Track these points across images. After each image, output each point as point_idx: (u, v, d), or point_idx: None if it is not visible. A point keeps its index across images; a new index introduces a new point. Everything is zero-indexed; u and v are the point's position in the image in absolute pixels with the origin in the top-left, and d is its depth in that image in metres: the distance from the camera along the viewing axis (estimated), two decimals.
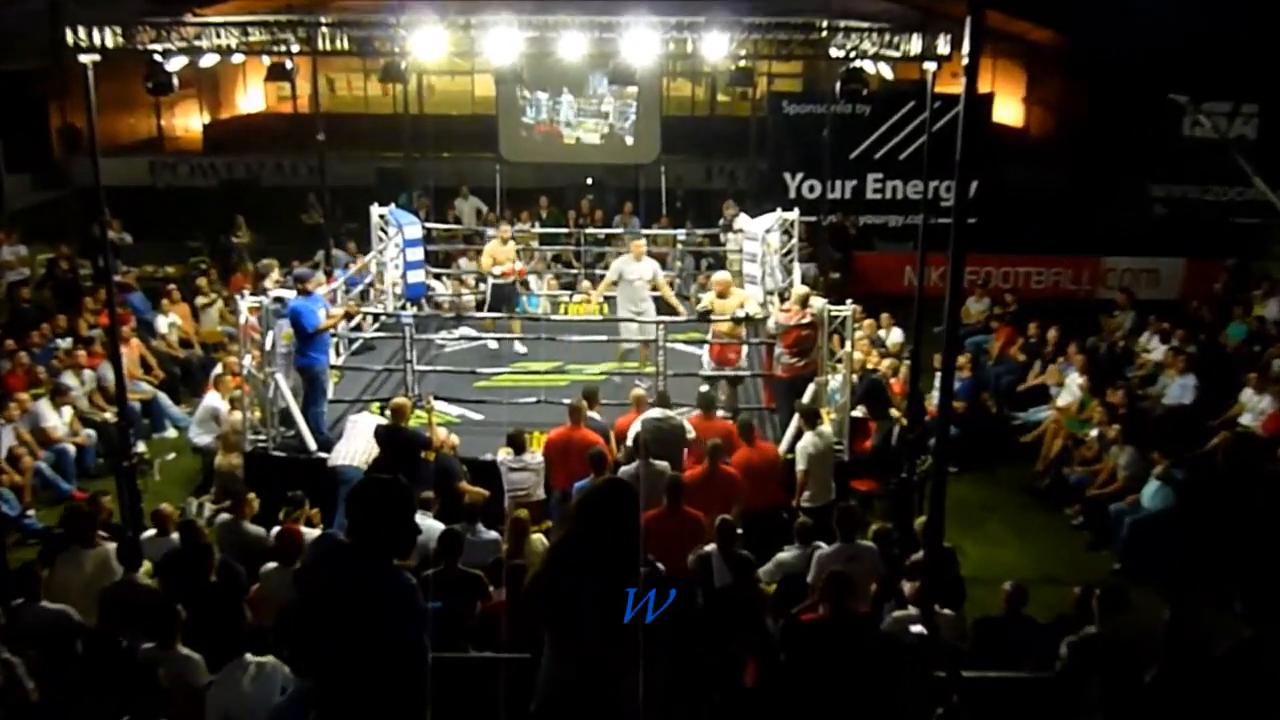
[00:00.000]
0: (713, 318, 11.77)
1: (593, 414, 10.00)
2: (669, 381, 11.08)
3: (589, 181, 21.54)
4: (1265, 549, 9.03)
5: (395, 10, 11.00)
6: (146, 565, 7.62)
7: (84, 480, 11.49)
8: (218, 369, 12.20)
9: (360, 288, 13.76)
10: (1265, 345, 13.77)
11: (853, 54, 10.15)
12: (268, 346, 10.70)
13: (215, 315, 15.37)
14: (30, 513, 10.68)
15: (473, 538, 7.97)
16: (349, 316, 12.29)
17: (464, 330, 14.17)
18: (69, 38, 9.33)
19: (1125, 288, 16.66)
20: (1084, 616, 6.52)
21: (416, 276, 14.71)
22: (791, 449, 9.96)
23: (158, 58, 9.85)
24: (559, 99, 20.55)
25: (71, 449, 11.60)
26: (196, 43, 10.34)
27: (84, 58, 9.30)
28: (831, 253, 17.87)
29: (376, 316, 13.53)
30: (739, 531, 7.75)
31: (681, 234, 17.36)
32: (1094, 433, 11.66)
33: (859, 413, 11.18)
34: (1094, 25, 19.83)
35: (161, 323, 14.65)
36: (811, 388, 10.64)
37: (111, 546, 7.68)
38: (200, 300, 15.35)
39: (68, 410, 11.94)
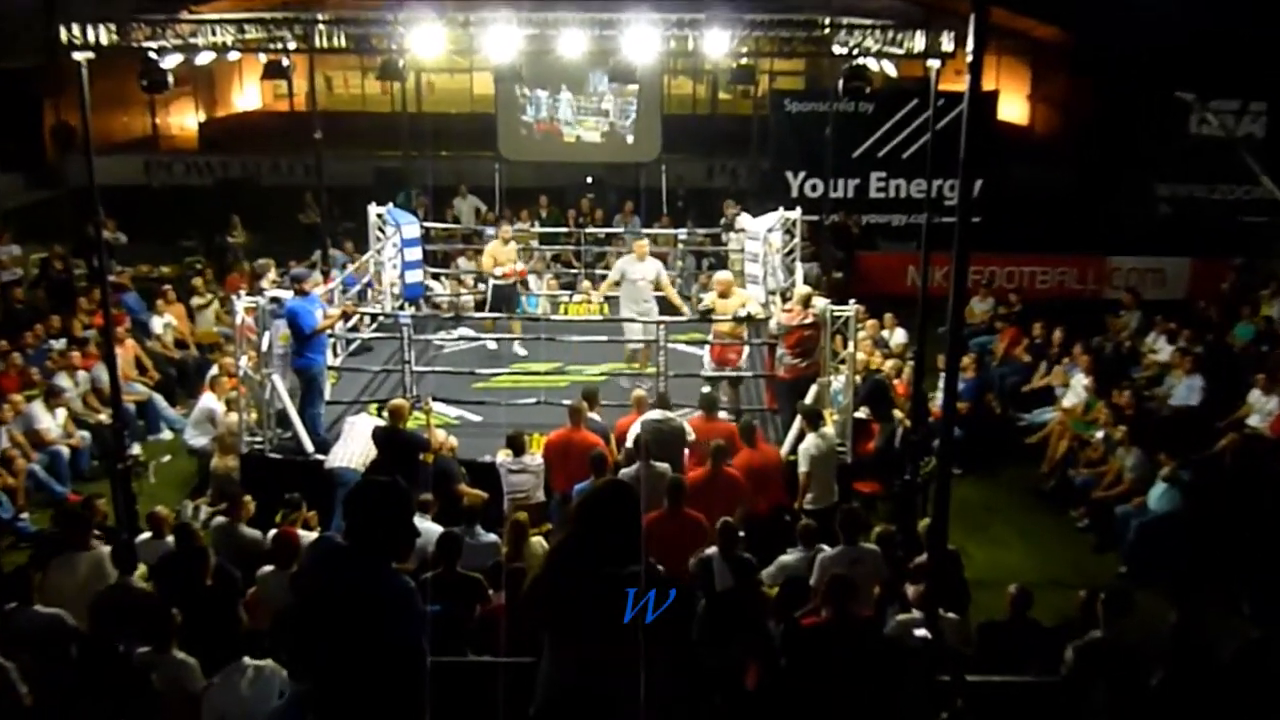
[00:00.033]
0: (714, 318, 11.76)
1: (593, 415, 10.00)
2: (670, 382, 11.07)
3: (589, 180, 21.56)
4: (1273, 551, 9.04)
5: (393, 7, 10.99)
6: (141, 569, 7.61)
7: (78, 483, 11.48)
8: (214, 370, 12.20)
9: (358, 288, 13.76)
10: (1273, 345, 13.78)
11: (856, 51, 10.15)
12: (264, 347, 10.70)
13: (211, 316, 15.37)
14: (24, 516, 10.68)
15: (472, 540, 7.97)
16: (346, 317, 12.29)
17: (463, 331, 14.17)
18: (63, 35, 9.32)
19: (1131, 287, 16.67)
20: (1089, 620, 6.52)
21: (415, 276, 14.73)
22: (794, 451, 9.95)
23: (153, 55, 9.85)
24: (558, 97, 20.57)
25: (65, 451, 11.58)
26: (192, 40, 10.34)
27: (78, 55, 9.29)
28: (834, 252, 17.87)
29: (374, 317, 13.53)
30: (741, 534, 7.75)
31: (683, 233, 17.37)
32: (1100, 434, 11.65)
33: (862, 414, 11.18)
34: (1099, 22, 19.82)
35: (157, 323, 14.65)
36: (814, 389, 10.64)
37: (106, 550, 7.68)
38: (196, 301, 15.35)
39: (62, 412, 11.94)
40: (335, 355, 12.52)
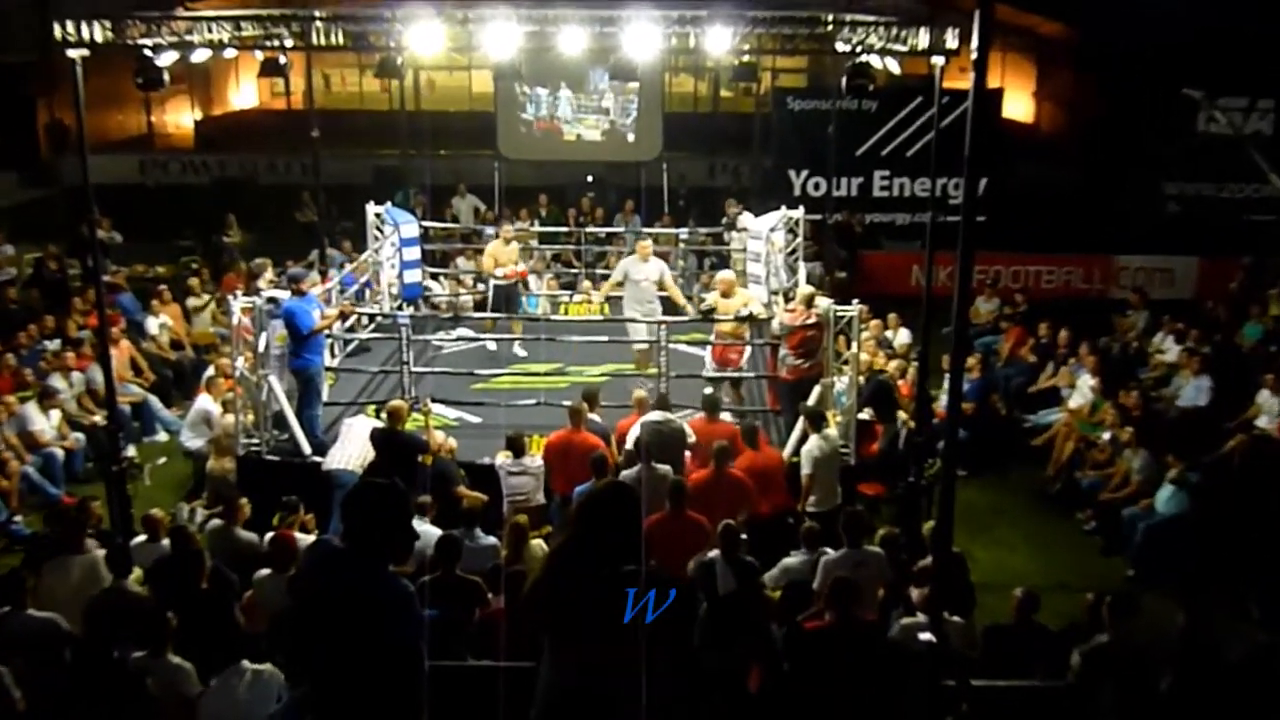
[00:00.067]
0: (715, 317, 11.76)
1: (593, 416, 10.00)
2: (671, 383, 11.06)
3: (589, 179, 21.56)
4: None
5: (391, 4, 10.99)
6: (136, 572, 7.60)
7: (72, 485, 11.48)
8: (210, 371, 12.20)
9: (356, 288, 13.75)
10: None
11: (859, 48, 10.16)
12: (261, 348, 10.70)
13: (207, 316, 15.37)
14: (17, 518, 10.68)
15: (471, 543, 7.97)
16: (344, 317, 12.28)
17: (462, 331, 14.17)
18: (57, 32, 9.34)
19: (1138, 287, 16.65)
20: (1096, 624, 6.52)
21: (413, 276, 14.73)
22: (796, 452, 9.95)
23: (148, 53, 9.86)
24: (558, 95, 20.59)
25: (60, 453, 11.58)
26: (188, 37, 10.34)
27: (72, 52, 9.30)
28: (837, 252, 17.87)
29: (372, 317, 13.52)
30: (743, 537, 7.74)
31: (684, 233, 17.37)
32: (1106, 435, 11.65)
33: (865, 415, 11.18)
34: (1105, 18, 19.83)
35: (152, 324, 14.64)
36: (817, 390, 10.63)
37: (100, 553, 7.68)
38: (193, 303, 15.34)
39: (56, 413, 11.93)
40: (333, 356, 12.52)
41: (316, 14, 10.70)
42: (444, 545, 7.26)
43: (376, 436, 9.66)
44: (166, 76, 10.05)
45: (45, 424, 11.70)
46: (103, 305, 10.28)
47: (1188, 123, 19.27)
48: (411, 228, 14.75)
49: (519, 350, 13.45)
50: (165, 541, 8.13)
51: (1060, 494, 11.84)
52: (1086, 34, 22.47)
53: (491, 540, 8.29)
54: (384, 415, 9.95)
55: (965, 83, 5.87)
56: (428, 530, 7.91)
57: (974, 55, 5.67)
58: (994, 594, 8.05)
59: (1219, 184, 19.74)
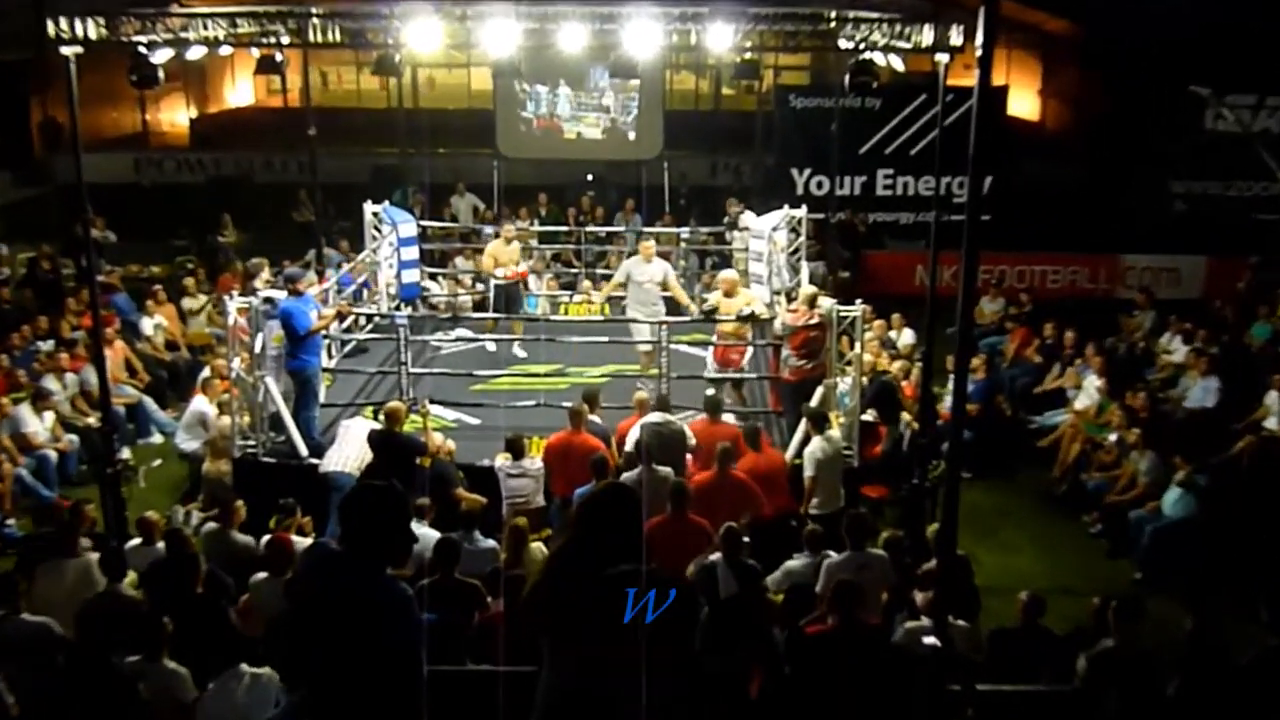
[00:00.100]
0: (717, 317, 11.76)
1: (594, 418, 10.00)
2: (672, 384, 11.06)
3: (590, 178, 21.57)
4: None
5: (389, 1, 11.00)
6: (131, 576, 7.61)
7: (66, 488, 11.47)
8: (205, 372, 12.20)
9: (353, 288, 13.77)
10: None
11: (862, 45, 10.16)
12: (257, 349, 10.70)
13: (203, 317, 15.37)
14: (10, 521, 10.68)
15: (470, 546, 7.97)
16: (341, 317, 12.29)
17: (460, 332, 14.17)
18: (51, 29, 9.35)
19: (1145, 287, 16.65)
20: (1102, 628, 6.51)
21: (411, 276, 14.74)
22: (799, 454, 9.95)
23: (143, 50, 9.87)
24: (557, 92, 20.60)
25: (53, 455, 11.58)
26: (183, 34, 10.35)
27: (66, 50, 9.31)
28: (840, 251, 17.89)
29: (370, 318, 13.53)
30: (745, 540, 7.74)
31: (685, 232, 17.38)
32: (1113, 437, 11.65)
33: (869, 416, 11.17)
34: (1111, 15, 19.83)
35: (147, 324, 14.65)
36: (820, 391, 10.63)
37: (94, 556, 7.68)
38: (188, 303, 15.34)
39: (49, 415, 11.93)
40: (330, 357, 12.53)
41: (313, 10, 10.72)
42: (443, 548, 7.26)
43: (374, 438, 9.67)
44: (161, 74, 10.07)
45: (39, 426, 11.70)
46: (97, 305, 10.29)
47: (1195, 120, 19.29)
48: (410, 227, 14.76)
49: (518, 351, 13.45)
50: (160, 545, 8.12)
51: (1066, 496, 11.85)
52: (1092, 31, 22.47)
53: (491, 543, 8.29)
54: (382, 417, 9.95)
55: (970, 80, 5.85)
56: (426, 533, 7.92)
57: (979, 52, 5.66)
58: (999, 597, 8.05)
59: (1227, 182, 19.73)
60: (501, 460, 9.73)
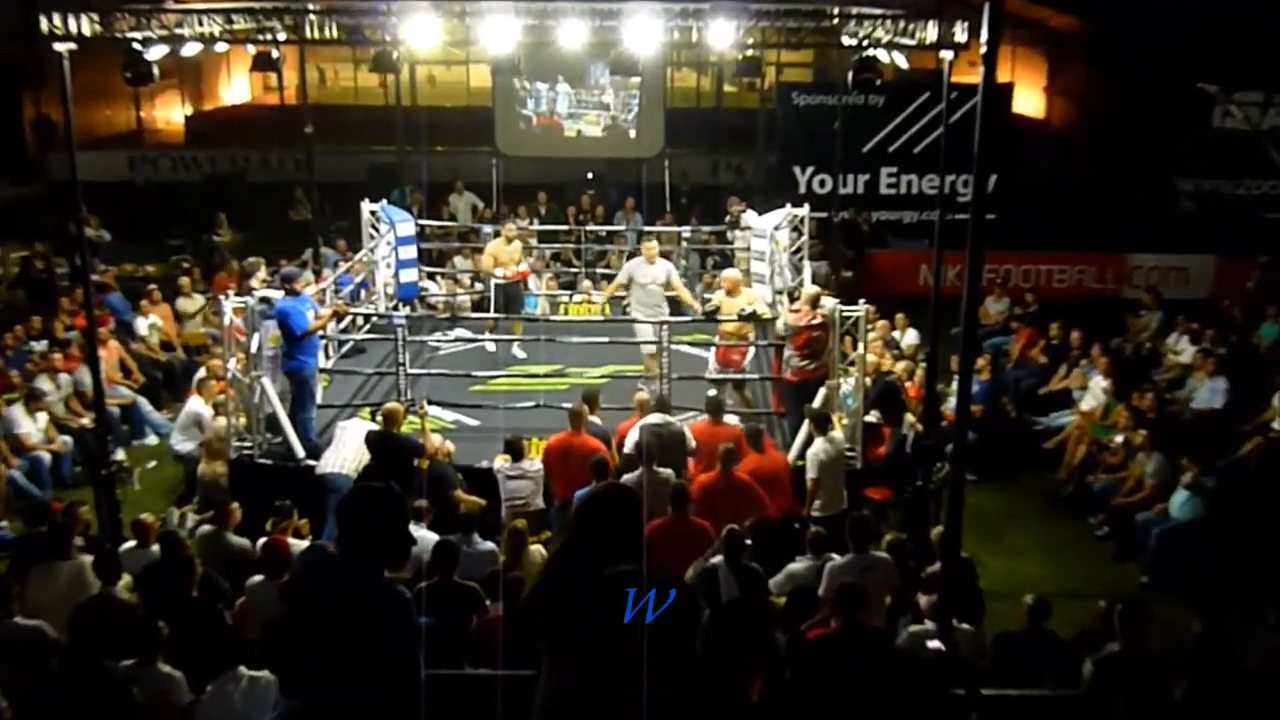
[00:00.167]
0: (719, 317, 11.76)
1: (594, 419, 10.00)
2: (674, 385, 11.06)
3: (590, 176, 21.57)
4: None
5: None
6: (126, 579, 7.62)
7: (60, 489, 11.47)
8: (201, 373, 12.20)
9: (350, 288, 13.77)
10: None
11: (866, 42, 10.16)
12: (253, 349, 10.70)
13: (198, 317, 15.37)
14: (3, 523, 10.67)
15: (469, 549, 7.97)
16: (338, 317, 12.29)
17: (459, 332, 14.18)
18: (44, 25, 9.33)
19: (1152, 286, 16.65)
20: (1108, 632, 6.52)
21: (409, 276, 14.75)
22: (801, 456, 9.95)
23: (137, 46, 9.86)
24: (556, 89, 20.61)
25: (47, 457, 11.60)
26: (178, 31, 10.35)
27: (59, 46, 9.30)
28: (843, 250, 17.89)
29: (368, 318, 13.54)
30: (747, 542, 7.75)
31: (686, 231, 17.38)
32: (1119, 438, 11.65)
33: (872, 418, 11.17)
34: (1117, 11, 19.83)
35: (141, 324, 14.65)
36: (822, 392, 10.64)
37: (88, 559, 7.68)
38: (184, 304, 15.34)
39: (43, 416, 11.94)
40: (327, 357, 12.53)
41: (310, 7, 10.70)
42: (441, 551, 7.27)
43: (372, 440, 9.67)
44: (156, 71, 10.06)
45: (32, 427, 11.71)
46: (91, 305, 10.29)
47: (1202, 117, 19.30)
48: (407, 226, 14.77)
49: (518, 351, 13.46)
50: (155, 547, 8.13)
51: (1072, 498, 11.84)
52: (1099, 27, 22.47)
53: (489, 545, 8.30)
54: (379, 418, 9.95)
55: (974, 77, 5.85)
56: (424, 535, 7.92)
57: (983, 49, 5.67)
58: (1004, 601, 8.05)
59: (1235, 180, 19.73)
60: (500, 462, 9.74)
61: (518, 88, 20.69)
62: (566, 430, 9.69)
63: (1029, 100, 26.42)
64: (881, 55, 10.47)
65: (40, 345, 13.48)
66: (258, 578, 7.55)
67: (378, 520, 3.95)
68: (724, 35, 10.41)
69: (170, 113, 28.49)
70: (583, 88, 20.64)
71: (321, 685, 3.96)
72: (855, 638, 6.28)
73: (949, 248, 9.43)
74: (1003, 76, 21.45)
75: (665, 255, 13.35)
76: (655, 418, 9.62)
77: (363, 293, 14.12)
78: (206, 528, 8.83)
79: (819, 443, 9.56)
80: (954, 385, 7.92)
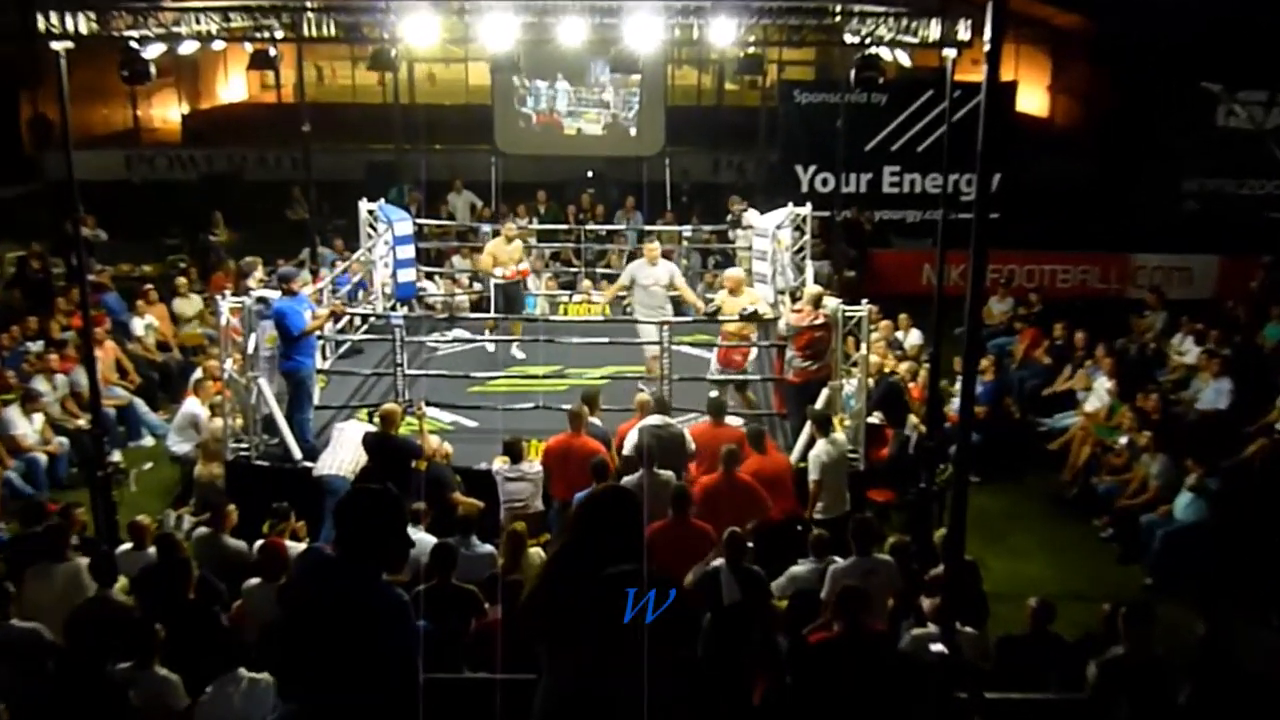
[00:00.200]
0: (721, 317, 11.75)
1: (594, 420, 9.99)
2: (675, 386, 11.05)
3: (590, 175, 21.57)
4: None
5: None
6: (122, 581, 7.61)
7: (56, 491, 11.45)
8: (197, 373, 12.20)
9: (348, 287, 13.76)
10: None
11: (868, 40, 10.17)
12: (250, 349, 10.69)
13: (195, 316, 15.37)
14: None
15: (467, 551, 7.96)
16: (336, 318, 12.29)
17: (458, 332, 14.17)
18: (40, 23, 9.34)
19: (1156, 286, 16.64)
20: (1112, 634, 6.52)
21: (407, 275, 14.73)
22: (804, 457, 9.95)
23: (134, 45, 9.87)
24: (556, 87, 20.61)
25: (43, 458, 11.59)
26: (175, 29, 10.36)
27: (56, 45, 9.31)
28: (846, 250, 17.88)
29: (365, 318, 13.53)
30: (749, 545, 7.74)
31: (687, 230, 17.38)
32: (1124, 440, 11.64)
33: (875, 419, 11.17)
34: (1122, 9, 19.83)
35: (138, 325, 14.64)
36: (825, 393, 10.63)
37: (84, 561, 7.68)
38: (181, 306, 15.33)
39: (39, 417, 11.93)
40: (324, 358, 12.52)
41: (308, 4, 10.72)
42: (439, 553, 7.26)
43: (369, 441, 9.66)
44: (153, 69, 10.06)
45: (28, 428, 11.70)
46: (87, 305, 10.28)
47: (1207, 116, 19.29)
48: (405, 225, 14.75)
49: (517, 352, 13.44)
50: (151, 549, 8.13)
51: (1076, 500, 11.83)
52: (1103, 26, 22.45)
53: (488, 548, 8.29)
54: (377, 419, 9.94)
55: (978, 75, 5.85)
56: (423, 538, 7.91)
57: (987, 47, 5.67)
58: (1008, 603, 8.04)
59: (1239, 180, 19.71)
60: (499, 463, 9.73)
61: (517, 85, 20.68)
62: (566, 432, 9.68)
63: (1033, 99, 26.43)
64: (884, 53, 10.48)
65: (36, 346, 13.48)
66: (255, 580, 7.54)
67: (375, 522, 3.94)
68: (725, 32, 10.42)
69: (167, 111, 28.50)
70: (583, 85, 20.63)
71: (319, 688, 3.96)
72: (857, 641, 6.28)
73: (952, 247, 9.43)
74: (1006, 75, 21.46)
75: (666, 255, 13.32)
76: (655, 419, 9.61)
77: (360, 293, 14.11)
78: (203, 530, 8.82)
79: (821, 444, 9.56)
80: (957, 386, 7.92)
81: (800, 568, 8.06)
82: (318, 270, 14.90)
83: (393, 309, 14.02)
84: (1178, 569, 10.00)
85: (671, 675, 3.80)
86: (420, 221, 16.38)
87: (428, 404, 10.71)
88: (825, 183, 19.29)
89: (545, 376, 12.71)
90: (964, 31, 9.50)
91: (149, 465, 12.40)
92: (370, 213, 14.50)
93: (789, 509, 9.45)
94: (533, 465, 9.68)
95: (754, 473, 9.14)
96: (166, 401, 13.65)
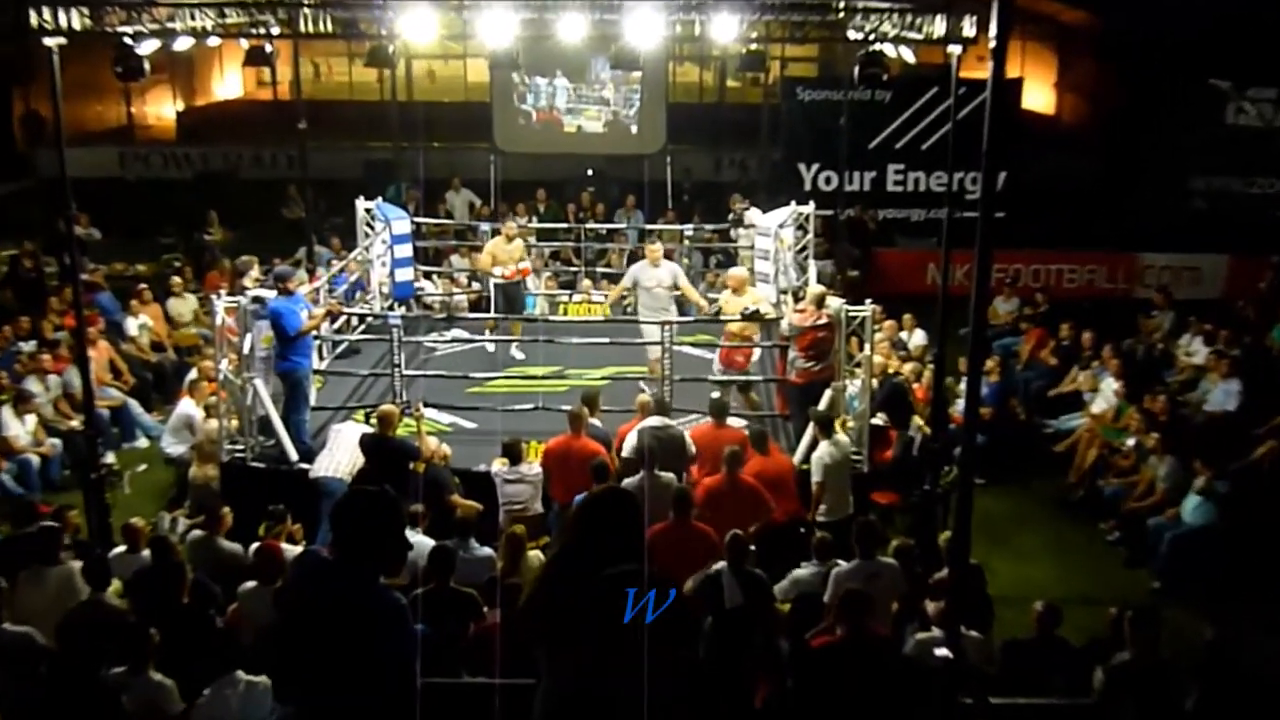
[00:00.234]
0: (723, 316, 11.74)
1: (594, 421, 9.99)
2: (676, 387, 11.04)
3: (590, 173, 21.56)
4: None
5: None
6: (115, 584, 7.61)
7: (49, 493, 11.44)
8: (192, 374, 12.20)
9: (345, 287, 13.76)
10: None
11: (872, 36, 10.17)
12: (246, 350, 10.71)
13: (190, 316, 15.37)
14: None
15: (465, 554, 7.97)
16: (332, 317, 12.29)
17: (456, 333, 14.17)
18: (33, 19, 9.34)
19: (1163, 286, 16.63)
20: (1119, 639, 6.51)
21: (405, 275, 14.73)
22: (806, 459, 9.94)
23: (128, 40, 9.86)
24: (555, 83, 20.61)
25: (35, 460, 11.59)
26: (169, 25, 10.37)
27: (49, 41, 9.31)
28: (849, 249, 17.87)
29: (362, 318, 13.53)
30: (751, 548, 7.74)
31: (688, 229, 17.36)
32: (1131, 442, 11.63)
33: (879, 420, 11.17)
34: (1129, 6, 19.84)
35: (132, 324, 14.64)
36: (828, 394, 10.62)
37: (77, 564, 7.67)
38: (176, 306, 15.32)
39: (31, 418, 11.93)
40: (321, 358, 12.52)
41: (304, 0, 10.71)
42: (437, 557, 7.26)
43: (366, 442, 9.66)
44: (147, 65, 10.05)
45: (20, 429, 11.70)
46: (80, 305, 10.29)
47: (1215, 114, 19.29)
48: (403, 224, 14.75)
49: (516, 352, 13.44)
50: (145, 552, 8.13)
51: (1082, 503, 11.83)
52: (1110, 22, 22.47)
53: (487, 551, 8.30)
54: (374, 420, 9.94)
55: (983, 72, 5.86)
56: (420, 541, 7.90)
57: (992, 44, 5.68)
58: (1013, 607, 8.05)
59: (1247, 178, 19.72)
60: (498, 465, 9.73)
61: (516, 82, 20.68)
62: (566, 433, 9.68)
63: (1039, 96, 26.42)
64: (888, 50, 10.48)
65: (29, 346, 13.46)
66: (250, 584, 7.53)
67: (373, 525, 3.95)
68: (727, 29, 10.42)
69: (161, 108, 28.50)
70: (583, 82, 20.63)
71: (316, 693, 3.97)
72: (861, 645, 6.28)
73: (957, 246, 9.43)
74: (1012, 72, 21.40)
75: (667, 255, 13.30)
76: (654, 420, 9.60)
77: (358, 292, 14.11)
78: (198, 532, 8.82)
79: (824, 446, 9.56)
80: (962, 387, 7.92)
81: (803, 571, 8.06)
82: (314, 269, 14.88)
83: (390, 309, 14.02)
84: (1185, 573, 10.00)
85: (671, 675, 3.80)
86: (418, 220, 16.37)
87: (426, 405, 10.71)
88: (828, 181, 19.29)
89: (545, 377, 12.69)
90: (969, 28, 9.50)
91: (143, 467, 12.40)
92: (368, 211, 14.50)
93: (792, 511, 9.45)
94: (532, 467, 9.68)
95: (756, 474, 9.13)
96: (161, 402, 13.65)
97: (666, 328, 11.25)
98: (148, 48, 10.11)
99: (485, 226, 16.62)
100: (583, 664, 3.85)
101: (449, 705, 5.56)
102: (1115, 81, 22.21)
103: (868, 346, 10.77)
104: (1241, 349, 13.67)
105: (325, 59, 30.20)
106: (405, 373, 11.46)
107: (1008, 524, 11.25)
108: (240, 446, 10.75)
